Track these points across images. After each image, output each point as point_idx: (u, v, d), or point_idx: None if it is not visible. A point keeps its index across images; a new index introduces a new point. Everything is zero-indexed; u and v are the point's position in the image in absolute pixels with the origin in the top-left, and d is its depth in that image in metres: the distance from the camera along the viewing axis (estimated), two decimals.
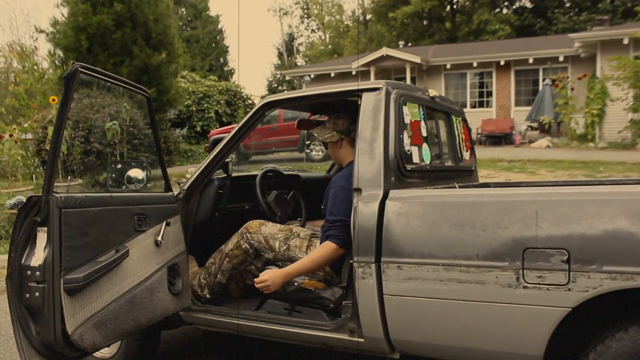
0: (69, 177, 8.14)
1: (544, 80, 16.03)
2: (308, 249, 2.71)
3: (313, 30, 40.60)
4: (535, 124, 15.68)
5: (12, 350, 3.39)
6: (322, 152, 13.75)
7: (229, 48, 34.94)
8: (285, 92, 5.08)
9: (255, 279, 2.62)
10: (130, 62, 12.48)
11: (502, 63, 17.20)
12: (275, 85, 36.68)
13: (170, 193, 2.80)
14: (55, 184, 2.18)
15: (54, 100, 8.68)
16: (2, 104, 14.01)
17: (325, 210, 2.64)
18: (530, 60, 16.64)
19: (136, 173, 2.66)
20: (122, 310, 2.34)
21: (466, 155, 3.32)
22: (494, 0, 27.67)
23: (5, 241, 6.70)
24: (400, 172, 2.38)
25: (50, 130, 8.02)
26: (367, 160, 2.34)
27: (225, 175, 3.13)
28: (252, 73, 62.81)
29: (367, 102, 2.43)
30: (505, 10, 28.31)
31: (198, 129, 18.87)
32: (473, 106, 17.80)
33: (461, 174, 3.19)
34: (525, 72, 17.29)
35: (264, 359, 3.32)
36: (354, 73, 17.98)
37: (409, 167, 2.44)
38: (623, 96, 12.60)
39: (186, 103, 17.94)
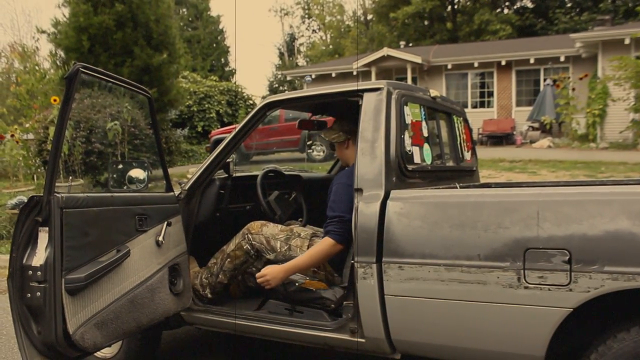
0: (70, 177, 8.13)
1: (545, 80, 16.00)
2: (309, 249, 2.71)
3: (314, 31, 40.65)
4: (536, 124, 15.65)
5: (13, 350, 3.39)
6: (323, 152, 13.75)
7: (230, 48, 34.97)
8: (287, 92, 5.08)
9: (256, 274, 2.64)
10: (132, 63, 12.47)
11: (503, 63, 17.18)
12: (277, 85, 36.68)
13: (172, 193, 2.81)
14: (57, 184, 2.18)
15: (55, 100, 8.67)
16: (3, 105, 14.04)
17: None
18: (532, 61, 16.62)
19: (137, 173, 2.66)
20: (123, 310, 2.34)
21: (467, 155, 3.32)
22: (495, 0, 27.66)
23: (6, 241, 6.71)
24: (401, 173, 2.38)
25: (52, 130, 8.03)
26: (369, 161, 2.35)
27: (226, 175, 3.12)
28: (253, 73, 62.82)
29: (369, 103, 2.43)
30: (506, 11, 28.29)
31: (199, 129, 18.89)
32: (474, 106, 17.77)
33: (462, 174, 3.19)
34: (527, 72, 17.26)
35: (264, 359, 3.32)
36: (355, 73, 17.96)
37: (410, 167, 2.44)
38: (624, 96, 12.59)
39: (187, 103, 17.95)
